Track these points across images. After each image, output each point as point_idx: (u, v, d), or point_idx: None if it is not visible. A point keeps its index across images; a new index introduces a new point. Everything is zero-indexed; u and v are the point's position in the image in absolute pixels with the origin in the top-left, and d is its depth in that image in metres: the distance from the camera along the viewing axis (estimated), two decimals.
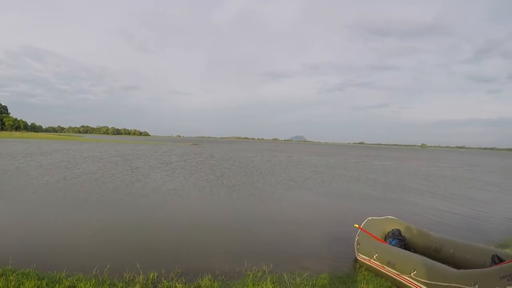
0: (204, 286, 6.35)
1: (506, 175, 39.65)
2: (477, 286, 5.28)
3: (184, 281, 6.60)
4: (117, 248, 8.82)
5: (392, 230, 8.65)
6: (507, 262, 5.68)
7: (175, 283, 6.42)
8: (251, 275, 7.02)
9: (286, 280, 6.79)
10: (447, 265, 6.51)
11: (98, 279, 6.51)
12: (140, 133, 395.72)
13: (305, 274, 7.21)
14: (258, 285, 6.43)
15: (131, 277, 6.69)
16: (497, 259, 6.37)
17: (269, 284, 6.43)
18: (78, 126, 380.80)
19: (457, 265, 6.96)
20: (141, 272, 6.82)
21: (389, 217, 9.18)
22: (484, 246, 7.52)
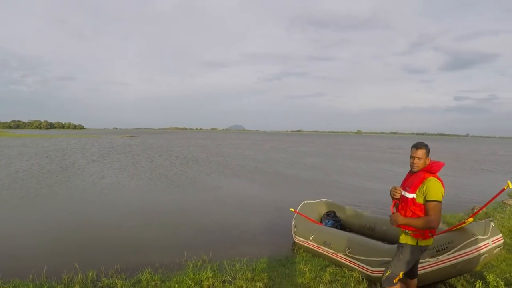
0: (145, 280, 6.36)
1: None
2: None
3: (124, 277, 6.57)
4: (54, 249, 8.65)
5: (327, 212, 8.98)
6: (435, 235, 6.11)
7: (115, 280, 6.38)
8: (191, 265, 7.09)
9: (226, 267, 6.92)
10: (382, 242, 6.91)
11: (36, 283, 6.36)
12: (75, 127, 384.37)
13: (245, 260, 7.37)
14: (199, 274, 6.51)
15: (70, 278, 6.58)
16: None
17: (209, 272, 6.54)
18: (9, 121, 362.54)
19: (390, 241, 7.36)
20: (80, 272, 6.71)
21: (324, 200, 9.50)
22: None
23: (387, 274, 4.53)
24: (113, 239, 9.42)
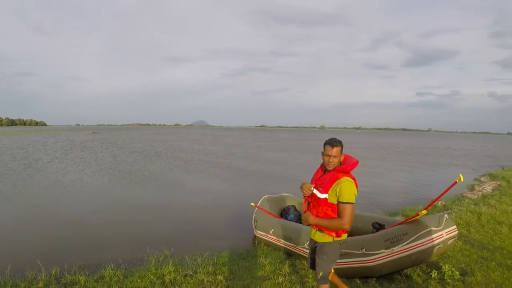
0: (108, 276, 6.37)
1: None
2: (364, 249, 5.82)
3: (87, 273, 6.58)
4: (17, 247, 8.56)
5: (288, 206, 9.09)
6: (390, 227, 6.32)
7: (78, 276, 6.36)
8: (153, 260, 7.13)
9: (188, 262, 6.97)
10: None
11: (0, 282, 6.32)
12: (37, 123, 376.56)
13: (206, 254, 7.43)
14: (161, 269, 6.57)
15: (34, 276, 6.53)
16: (377, 225, 7.07)
17: (171, 267, 6.60)
18: None
19: (349, 233, 7.54)
20: (43, 269, 6.66)
21: (284, 194, 9.63)
22: (370, 215, 8.22)
23: (320, 274, 4.41)
24: (76, 236, 9.38)
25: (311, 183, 4.44)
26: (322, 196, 4.23)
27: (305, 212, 4.41)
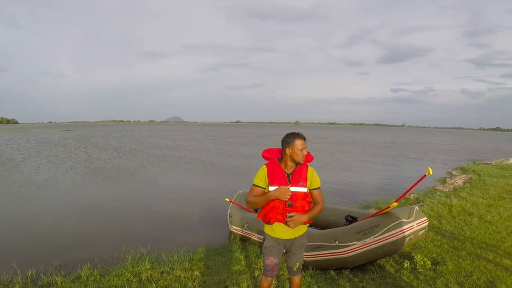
0: (84, 275, 6.34)
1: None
2: (337, 242, 5.94)
3: (63, 274, 6.55)
4: None
5: None
6: (362, 220, 6.46)
7: (54, 277, 6.32)
8: (129, 258, 7.13)
9: (164, 258, 7.00)
10: (313, 228, 7.19)
11: None
12: (8, 121, 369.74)
13: (182, 250, 7.47)
14: (137, 266, 6.59)
15: (9, 279, 6.46)
16: (350, 218, 7.19)
17: (147, 265, 6.63)
18: None
19: (323, 226, 7.68)
20: (19, 272, 6.60)
21: None
22: (343, 208, 8.38)
23: (298, 265, 4.43)
24: (51, 236, 9.30)
25: (281, 185, 4.19)
26: (304, 189, 4.22)
27: (288, 215, 4.18)
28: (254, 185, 4.25)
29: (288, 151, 4.20)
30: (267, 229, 4.36)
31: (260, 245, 7.50)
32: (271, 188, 4.16)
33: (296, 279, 4.50)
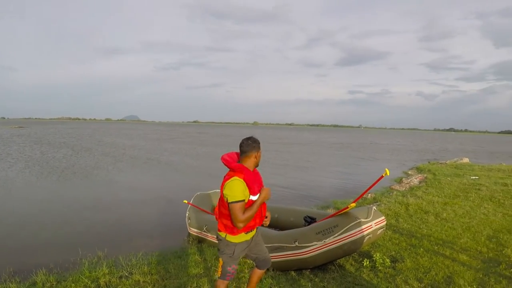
0: (40, 281, 6.14)
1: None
2: (296, 242, 5.96)
3: (18, 280, 6.29)
4: None
5: None
6: (321, 220, 6.50)
7: (9, 284, 6.08)
8: (86, 263, 6.91)
9: (122, 262, 6.85)
10: (273, 229, 7.20)
11: None
12: None
13: (140, 254, 7.30)
14: (95, 271, 6.42)
15: None
16: (309, 219, 7.26)
17: (105, 269, 6.46)
18: None
19: (282, 228, 7.71)
20: None
21: (217, 190, 9.61)
22: (302, 209, 8.42)
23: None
24: (3, 240, 8.94)
25: (260, 187, 4.25)
26: None
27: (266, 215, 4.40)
28: (238, 201, 4.00)
29: (256, 155, 4.23)
30: (239, 237, 4.29)
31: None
32: (254, 197, 4.12)
33: (263, 271, 4.67)
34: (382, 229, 6.62)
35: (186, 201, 8.54)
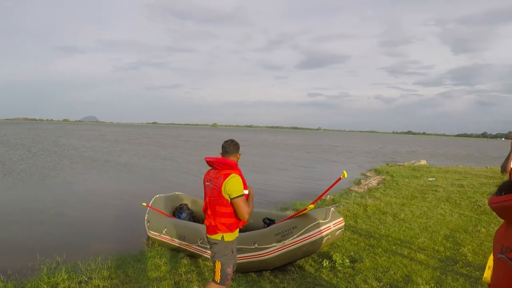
0: None
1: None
2: (256, 244, 6.01)
3: None
4: None
5: (180, 205, 9.08)
6: (280, 222, 6.57)
7: None
8: (45, 269, 6.79)
9: (81, 267, 6.75)
10: None
11: None
12: None
13: (99, 258, 7.21)
14: (54, 277, 6.32)
15: None
16: (268, 220, 7.36)
17: (64, 274, 6.37)
18: None
19: (242, 230, 7.73)
20: None
21: (177, 193, 9.61)
22: (261, 211, 8.43)
23: None
24: None
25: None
26: None
27: None
28: (241, 195, 4.30)
29: (238, 155, 4.59)
30: (235, 234, 4.61)
31: (180, 250, 7.45)
32: (245, 191, 4.41)
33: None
34: (341, 230, 6.74)
35: (145, 204, 8.48)
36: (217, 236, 4.45)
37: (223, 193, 4.26)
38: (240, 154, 4.62)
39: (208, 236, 4.57)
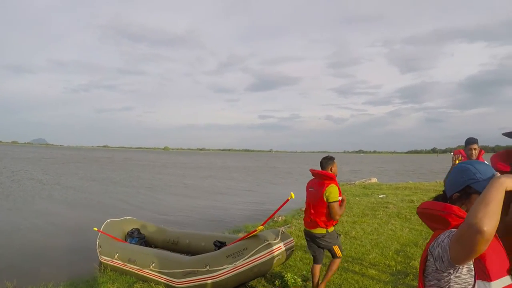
0: None
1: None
2: (208, 266, 6.04)
3: None
4: None
5: (131, 229, 9.05)
6: (231, 244, 6.65)
7: None
8: None
9: None
10: (185, 254, 7.29)
11: None
12: None
13: (51, 284, 7.13)
14: None
15: None
16: (219, 243, 7.41)
17: None
18: None
19: (194, 253, 7.75)
20: None
21: (128, 217, 9.57)
22: (212, 234, 8.51)
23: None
24: None
25: None
26: None
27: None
28: (336, 201, 5.61)
29: (332, 168, 5.89)
30: (333, 227, 5.90)
31: (132, 274, 7.40)
32: (340, 198, 5.71)
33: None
34: (291, 250, 6.88)
35: (96, 229, 8.38)
36: (321, 230, 5.73)
37: (324, 197, 5.54)
38: (335, 164, 5.92)
39: (309, 229, 5.88)
